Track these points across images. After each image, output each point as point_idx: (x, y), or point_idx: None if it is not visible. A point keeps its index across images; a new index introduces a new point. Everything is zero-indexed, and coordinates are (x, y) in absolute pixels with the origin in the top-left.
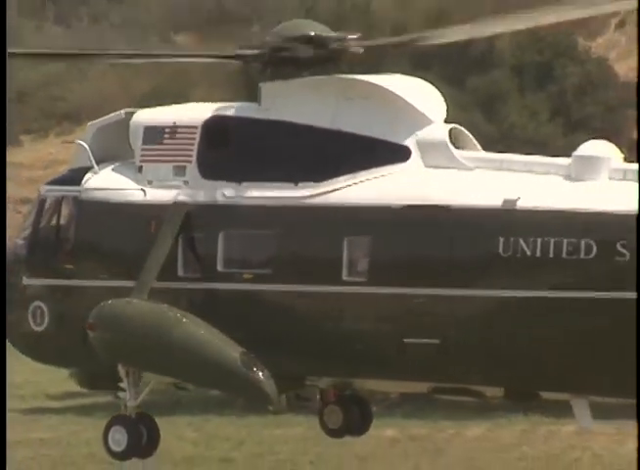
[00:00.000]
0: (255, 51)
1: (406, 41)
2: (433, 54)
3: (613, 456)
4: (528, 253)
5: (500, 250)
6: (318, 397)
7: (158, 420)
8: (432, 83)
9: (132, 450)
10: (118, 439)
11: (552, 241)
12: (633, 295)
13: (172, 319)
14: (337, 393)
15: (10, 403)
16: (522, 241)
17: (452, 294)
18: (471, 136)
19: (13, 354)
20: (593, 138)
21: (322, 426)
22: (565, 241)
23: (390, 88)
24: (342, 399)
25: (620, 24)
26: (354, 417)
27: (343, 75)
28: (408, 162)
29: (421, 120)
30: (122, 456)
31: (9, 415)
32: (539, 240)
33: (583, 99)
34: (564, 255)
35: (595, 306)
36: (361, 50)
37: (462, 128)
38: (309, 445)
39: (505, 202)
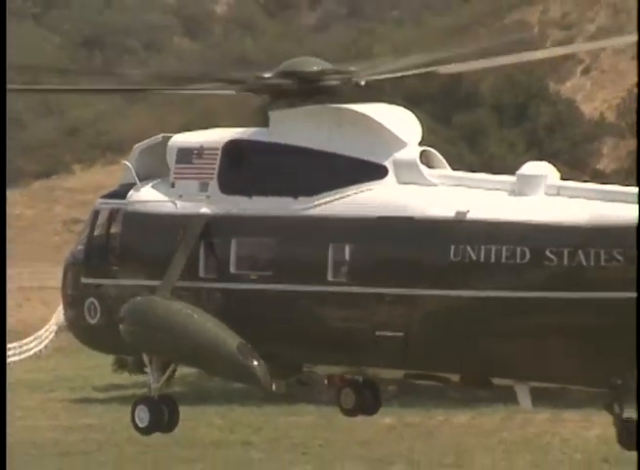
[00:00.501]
0: (266, 83)
1: (403, 73)
2: (424, 95)
3: (579, 440)
4: (474, 258)
5: (452, 255)
6: (326, 382)
7: (189, 409)
8: (422, 120)
9: (154, 427)
10: (142, 416)
11: (493, 248)
12: (559, 294)
13: (184, 314)
14: (342, 379)
15: (62, 394)
16: (469, 248)
17: (414, 293)
18: (440, 156)
19: (64, 352)
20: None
21: (339, 407)
22: (504, 248)
23: (373, 116)
24: (354, 383)
25: (586, 71)
26: (366, 399)
27: (335, 105)
28: (385, 179)
29: (397, 144)
30: (146, 432)
31: (61, 405)
32: (483, 247)
33: (554, 135)
34: (503, 260)
35: (528, 304)
36: (362, 82)
37: (432, 150)
38: (319, 430)
39: (457, 214)
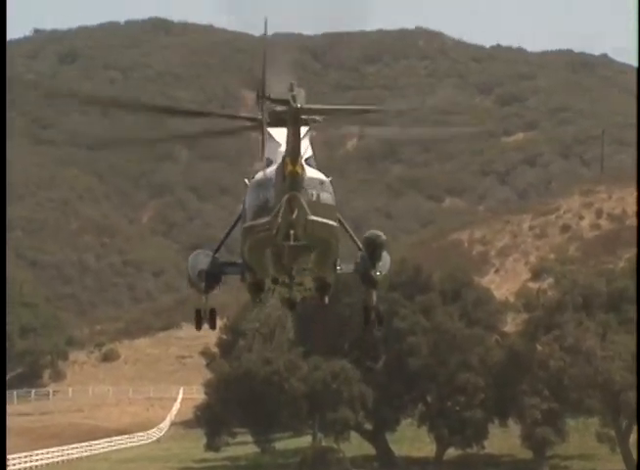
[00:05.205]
0: (262, 116)
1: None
2: (399, 282)
3: None
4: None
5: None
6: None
7: None
8: (396, 299)
9: (201, 325)
10: (197, 319)
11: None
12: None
13: (198, 256)
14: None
15: (172, 464)
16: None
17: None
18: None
19: (174, 438)
20: None
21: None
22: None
23: (272, 132)
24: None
25: (496, 271)
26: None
27: (269, 128)
28: (271, 165)
29: (278, 146)
30: (198, 327)
31: None
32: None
33: (476, 309)
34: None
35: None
36: (320, 119)
37: None
38: None
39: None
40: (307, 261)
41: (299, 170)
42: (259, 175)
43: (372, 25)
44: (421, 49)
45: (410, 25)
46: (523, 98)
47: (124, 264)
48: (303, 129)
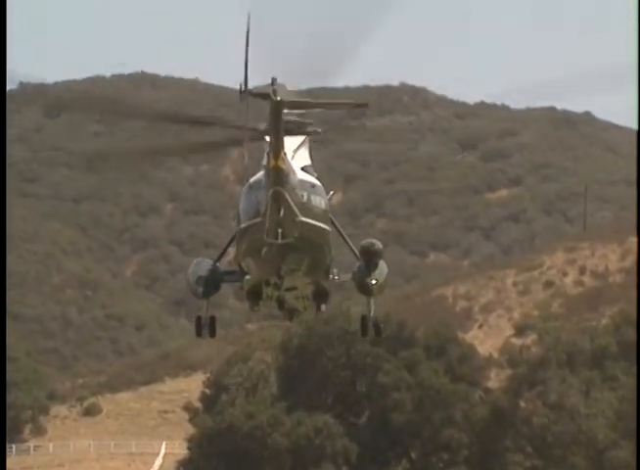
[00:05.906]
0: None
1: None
2: (385, 338)
3: None
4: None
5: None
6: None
7: None
8: (381, 354)
9: (200, 332)
10: (197, 325)
11: None
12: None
13: (198, 263)
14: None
15: None
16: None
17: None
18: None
19: None
20: None
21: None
22: None
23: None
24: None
25: (480, 326)
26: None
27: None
28: None
29: None
30: (197, 334)
31: None
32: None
33: (462, 364)
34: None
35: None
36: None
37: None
38: None
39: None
40: (296, 262)
41: (282, 166)
42: (252, 179)
43: (356, 81)
44: (405, 105)
45: (394, 82)
46: (506, 154)
47: (107, 318)
48: (301, 138)
